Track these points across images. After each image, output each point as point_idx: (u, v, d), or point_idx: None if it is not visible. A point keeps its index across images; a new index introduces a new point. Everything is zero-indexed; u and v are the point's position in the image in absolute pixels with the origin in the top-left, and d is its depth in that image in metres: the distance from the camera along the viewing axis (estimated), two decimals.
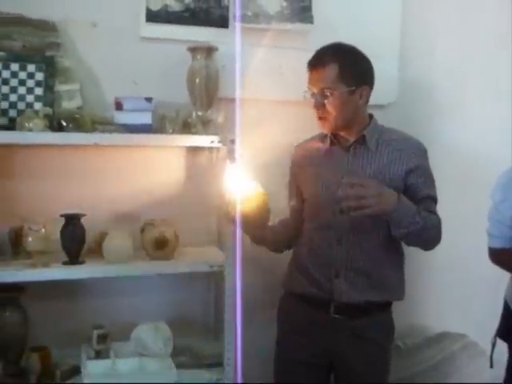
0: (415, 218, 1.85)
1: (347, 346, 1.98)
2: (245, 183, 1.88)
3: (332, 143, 2.03)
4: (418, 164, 1.98)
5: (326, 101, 1.91)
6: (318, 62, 1.94)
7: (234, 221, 1.90)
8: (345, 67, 1.92)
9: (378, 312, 2.01)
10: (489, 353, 2.23)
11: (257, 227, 1.94)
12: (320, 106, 1.92)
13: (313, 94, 1.94)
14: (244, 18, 2.31)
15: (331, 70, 1.91)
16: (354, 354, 1.98)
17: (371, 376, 2.01)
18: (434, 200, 2.01)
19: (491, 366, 2.25)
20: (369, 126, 2.00)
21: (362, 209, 1.76)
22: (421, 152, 2.02)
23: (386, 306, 2.05)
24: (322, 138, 2.07)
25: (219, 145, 2.04)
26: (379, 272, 1.99)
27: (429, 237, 1.95)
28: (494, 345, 2.19)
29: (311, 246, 2.04)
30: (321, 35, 2.30)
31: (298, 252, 2.11)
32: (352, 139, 2.00)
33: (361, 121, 2.00)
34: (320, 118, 1.95)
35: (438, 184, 2.62)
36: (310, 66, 1.95)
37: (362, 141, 1.99)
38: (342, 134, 2.01)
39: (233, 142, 2.01)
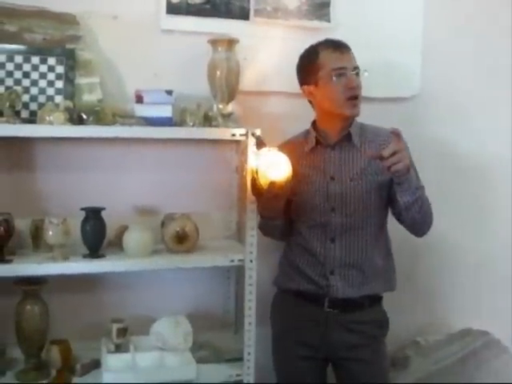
0: (418, 182, 1.92)
1: (339, 339, 2.02)
2: (269, 152, 1.92)
3: (317, 141, 2.04)
4: None
5: (358, 79, 1.97)
6: (344, 43, 2.00)
7: (259, 189, 1.91)
8: None
9: (370, 305, 2.05)
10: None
11: (281, 197, 1.92)
12: (358, 83, 1.96)
13: (348, 74, 1.95)
14: (263, 13, 2.30)
15: (353, 54, 2.00)
16: (346, 346, 2.02)
17: (366, 368, 2.03)
18: (422, 186, 2.00)
19: None
20: (352, 124, 2.03)
21: (397, 164, 1.76)
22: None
23: (377, 299, 2.09)
24: (306, 136, 2.10)
25: (240, 138, 2.02)
26: (373, 265, 2.03)
27: (427, 211, 1.96)
28: None
29: (303, 244, 2.06)
30: (340, 30, 2.29)
31: (290, 251, 2.13)
32: (337, 137, 2.03)
33: None
34: (355, 98, 1.96)
35: (459, 176, 2.61)
36: (339, 47, 1.98)
37: (347, 138, 2.02)
38: (327, 131, 2.04)
39: (257, 136, 1.99)
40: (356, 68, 1.97)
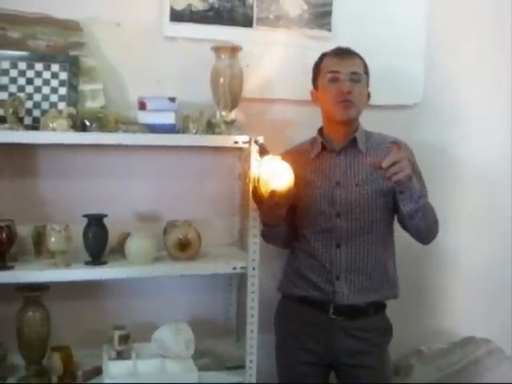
0: (422, 191, 1.93)
1: (343, 345, 2.02)
2: (272, 160, 1.92)
3: (323, 147, 2.05)
4: None
5: (356, 85, 1.98)
6: (349, 51, 2.03)
7: (260, 197, 1.91)
8: (366, 68, 2.06)
9: (374, 313, 2.05)
10: None
11: (282, 205, 1.92)
12: (351, 88, 1.96)
13: (341, 78, 1.97)
14: (265, 21, 2.31)
15: (361, 62, 2.03)
16: (350, 352, 2.02)
17: (369, 374, 2.03)
18: (425, 195, 2.02)
19: None
20: (358, 130, 2.05)
21: (397, 174, 1.78)
22: (408, 152, 2.03)
23: (381, 307, 2.09)
24: (312, 143, 2.11)
25: (243, 145, 2.02)
26: (378, 270, 2.04)
27: (431, 219, 1.97)
28: None
29: (308, 250, 2.06)
30: (341, 39, 2.29)
31: (294, 257, 2.13)
32: (342, 142, 2.04)
33: (357, 122, 2.06)
34: (346, 101, 1.97)
35: (462, 184, 2.61)
36: (341, 52, 2.02)
37: (353, 144, 2.03)
38: (332, 136, 2.05)
39: (260, 143, 1.99)
40: (354, 73, 1.98)
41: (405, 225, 1.99)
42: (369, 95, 2.07)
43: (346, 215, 2.00)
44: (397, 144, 1.81)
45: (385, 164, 1.77)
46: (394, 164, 1.76)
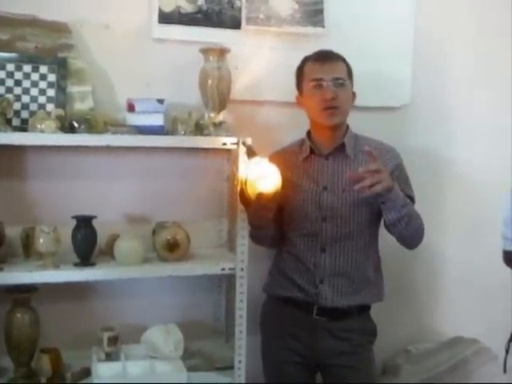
0: (405, 200, 1.91)
1: (327, 346, 2.04)
2: (259, 162, 1.92)
3: (312, 151, 2.06)
4: (394, 167, 2.01)
5: (340, 90, 1.97)
6: (330, 55, 2.03)
7: (247, 199, 1.92)
8: (349, 70, 2.06)
9: (358, 314, 2.06)
10: (502, 358, 2.21)
11: (269, 208, 1.92)
12: (335, 94, 1.96)
13: (324, 84, 1.97)
14: (256, 21, 2.31)
15: (343, 65, 2.03)
16: (334, 353, 2.04)
17: (354, 374, 2.04)
18: (412, 199, 2.03)
19: (505, 372, 2.23)
20: (347, 134, 2.05)
21: (375, 185, 1.79)
22: (395, 156, 2.06)
23: (366, 308, 2.10)
24: (300, 146, 2.11)
25: (231, 147, 2.02)
26: (362, 276, 2.05)
27: (415, 226, 1.97)
28: (507, 350, 2.17)
29: (294, 253, 2.08)
30: (334, 37, 2.31)
31: (280, 259, 2.14)
32: (331, 146, 2.05)
33: (344, 126, 2.07)
34: (331, 108, 1.97)
35: (449, 186, 2.62)
36: (323, 57, 2.01)
37: (341, 148, 2.04)
38: (320, 140, 2.06)
39: (248, 145, 1.99)
40: (337, 79, 1.98)
41: (389, 231, 2.01)
42: (354, 95, 2.07)
43: (332, 220, 2.02)
44: (371, 154, 1.83)
45: (360, 172, 1.80)
46: (372, 173, 1.78)
